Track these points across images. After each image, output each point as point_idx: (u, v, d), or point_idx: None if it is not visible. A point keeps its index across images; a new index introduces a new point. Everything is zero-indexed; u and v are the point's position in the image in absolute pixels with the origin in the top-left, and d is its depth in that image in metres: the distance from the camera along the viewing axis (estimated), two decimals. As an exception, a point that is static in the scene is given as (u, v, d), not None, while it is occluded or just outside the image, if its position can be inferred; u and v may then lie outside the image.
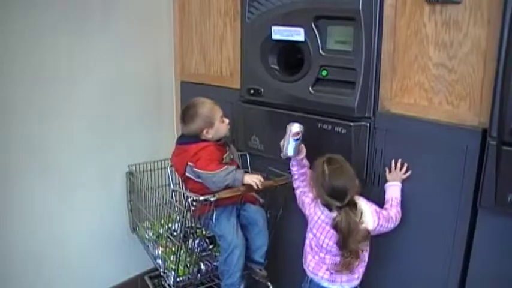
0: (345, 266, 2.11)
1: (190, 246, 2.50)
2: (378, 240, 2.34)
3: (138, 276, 3.13)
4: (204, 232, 2.66)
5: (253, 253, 2.55)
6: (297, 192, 2.34)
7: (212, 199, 2.24)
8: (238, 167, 2.52)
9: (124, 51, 2.83)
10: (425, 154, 2.16)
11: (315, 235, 2.19)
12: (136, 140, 2.99)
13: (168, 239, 2.62)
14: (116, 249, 3.01)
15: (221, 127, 2.43)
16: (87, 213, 2.82)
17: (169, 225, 2.67)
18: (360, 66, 2.22)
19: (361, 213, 2.08)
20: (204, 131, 2.39)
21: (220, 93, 2.78)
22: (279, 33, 2.45)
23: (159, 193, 2.66)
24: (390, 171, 2.25)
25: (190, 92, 2.89)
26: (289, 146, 2.25)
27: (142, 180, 2.82)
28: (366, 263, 2.22)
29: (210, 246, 2.66)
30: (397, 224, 2.19)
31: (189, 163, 2.38)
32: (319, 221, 2.16)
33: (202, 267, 2.60)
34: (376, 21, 2.18)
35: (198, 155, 2.36)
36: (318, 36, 2.34)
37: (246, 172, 2.47)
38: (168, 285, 2.59)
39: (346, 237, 2.05)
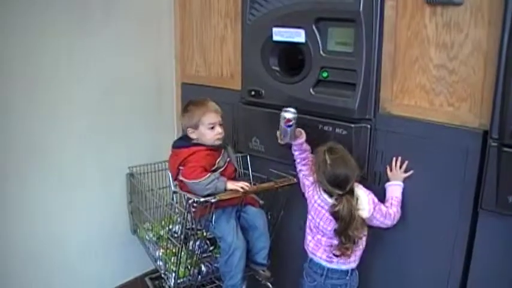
0: (342, 252, 2.16)
1: (190, 247, 2.49)
2: (379, 242, 2.34)
3: (138, 278, 3.13)
4: (204, 234, 2.65)
5: (255, 255, 2.54)
6: (300, 175, 2.40)
7: (213, 200, 2.24)
8: (235, 169, 2.53)
9: (125, 52, 2.83)
10: (426, 156, 2.15)
11: (312, 217, 2.25)
12: (136, 141, 2.99)
13: (169, 241, 2.62)
14: (116, 250, 3.01)
15: (207, 133, 2.41)
16: (87, 214, 2.81)
17: (170, 226, 2.66)
18: (360, 67, 2.22)
19: (357, 200, 2.12)
20: (189, 130, 2.41)
21: (221, 95, 2.78)
22: (280, 34, 2.45)
23: (159, 195, 2.66)
24: (391, 169, 2.25)
25: (191, 93, 2.89)
26: (284, 133, 2.32)
27: (143, 181, 2.81)
28: (363, 247, 2.26)
29: (211, 248, 2.65)
30: (394, 222, 2.19)
31: (180, 167, 2.39)
32: (316, 204, 2.21)
33: (203, 268, 2.60)
34: (377, 22, 2.18)
35: (187, 160, 2.37)
36: (318, 37, 2.34)
37: (233, 179, 2.46)
38: (169, 286, 2.59)
39: (346, 224, 2.09)
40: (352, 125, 2.30)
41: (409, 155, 2.20)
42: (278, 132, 2.35)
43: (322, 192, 2.17)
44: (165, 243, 2.66)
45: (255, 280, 2.61)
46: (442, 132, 2.09)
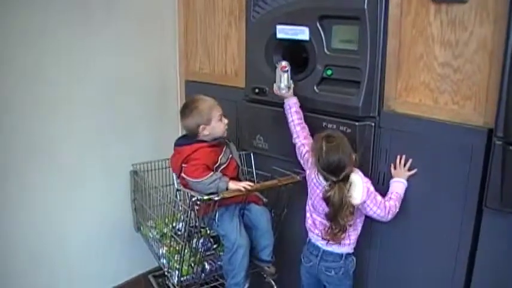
0: (331, 236, 2.19)
1: (194, 245, 2.49)
2: (383, 240, 2.34)
3: (142, 276, 3.13)
4: (208, 231, 2.65)
5: (259, 252, 2.55)
6: (302, 150, 2.37)
7: (216, 198, 2.24)
8: (237, 166, 2.53)
9: (128, 49, 2.83)
10: (430, 154, 2.15)
11: (310, 194, 2.30)
12: (140, 138, 2.99)
13: (172, 238, 2.62)
14: (119, 248, 3.01)
15: (218, 126, 2.43)
16: (91, 212, 2.82)
17: (174, 224, 2.66)
18: (365, 65, 2.22)
19: (350, 185, 2.13)
20: (201, 127, 2.39)
21: (225, 92, 2.78)
22: (284, 32, 2.45)
23: (163, 192, 2.65)
24: (395, 167, 2.25)
25: (195, 91, 2.88)
26: (281, 79, 2.37)
27: (147, 179, 2.81)
28: (358, 231, 2.29)
29: (214, 246, 2.66)
30: (388, 216, 2.19)
31: (183, 165, 2.39)
32: (312, 183, 2.26)
33: (206, 266, 2.60)
34: (381, 20, 2.17)
35: (190, 157, 2.37)
36: (322, 35, 2.34)
37: (235, 176, 2.47)
38: (172, 284, 2.59)
39: (336, 211, 2.12)
40: (357, 123, 2.30)
41: (413, 153, 2.20)
42: (275, 85, 2.41)
43: (318, 173, 2.19)
44: (168, 241, 2.66)
45: (258, 278, 2.61)
46: (446, 131, 2.08)
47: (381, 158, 2.30)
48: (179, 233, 2.61)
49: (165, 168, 2.86)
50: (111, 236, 2.96)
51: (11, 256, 2.53)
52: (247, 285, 2.49)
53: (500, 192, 1.92)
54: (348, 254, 2.29)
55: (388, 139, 2.27)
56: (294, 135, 2.40)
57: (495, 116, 1.89)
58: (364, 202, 2.16)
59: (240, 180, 2.42)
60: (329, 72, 2.35)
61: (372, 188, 2.19)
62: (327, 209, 2.16)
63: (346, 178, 2.12)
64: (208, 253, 2.63)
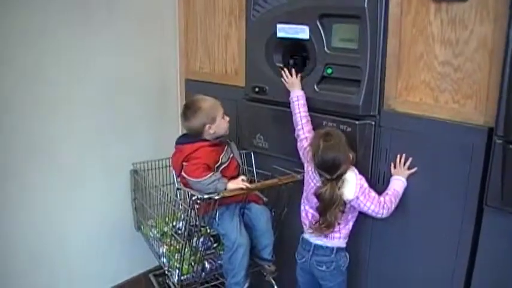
0: (316, 229, 2.24)
1: (194, 244, 2.49)
2: (383, 239, 2.34)
3: (142, 275, 3.13)
4: (208, 230, 2.66)
5: (260, 251, 2.56)
6: (304, 143, 2.38)
7: (216, 197, 2.24)
8: (238, 165, 2.53)
9: (128, 49, 2.83)
10: (431, 153, 2.15)
11: (305, 187, 2.34)
12: (140, 138, 2.99)
13: (173, 237, 2.62)
14: (120, 247, 3.01)
15: (222, 124, 2.43)
16: (91, 211, 2.82)
17: (174, 223, 2.66)
18: (365, 64, 2.22)
19: (343, 182, 2.16)
20: (207, 127, 2.39)
21: (225, 91, 2.78)
22: (284, 31, 2.45)
23: (163, 191, 2.65)
24: (395, 166, 2.25)
25: (195, 90, 2.89)
26: None
27: (147, 178, 2.81)
28: (350, 227, 2.31)
29: (215, 245, 2.66)
30: (383, 212, 2.19)
31: (184, 163, 2.39)
32: (307, 176, 2.31)
33: (207, 265, 2.60)
34: (382, 19, 2.17)
35: (190, 156, 2.37)
36: (323, 34, 2.33)
37: (236, 175, 2.46)
38: (173, 283, 2.59)
39: (326, 207, 2.16)
40: (357, 122, 2.30)
41: (414, 152, 2.20)
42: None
43: (314, 168, 2.22)
44: (168, 240, 2.67)
45: (259, 277, 2.61)
46: (447, 129, 2.08)
47: (381, 157, 2.30)
48: (179, 232, 2.61)
49: (165, 167, 2.87)
50: (111, 235, 2.95)
51: (11, 256, 2.52)
52: (247, 284, 2.49)
53: (500, 191, 1.92)
54: (340, 249, 2.29)
55: (388, 138, 2.26)
56: (299, 127, 2.40)
57: (495, 115, 1.89)
58: (357, 198, 2.17)
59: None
60: (329, 71, 2.35)
61: (365, 185, 2.20)
62: (318, 203, 2.19)
63: (340, 176, 2.15)
64: (208, 252, 2.63)
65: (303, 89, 2.41)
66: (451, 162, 2.09)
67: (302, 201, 2.37)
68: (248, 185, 2.37)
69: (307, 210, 2.33)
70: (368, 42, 2.19)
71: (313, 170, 2.23)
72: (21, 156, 2.47)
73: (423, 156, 2.17)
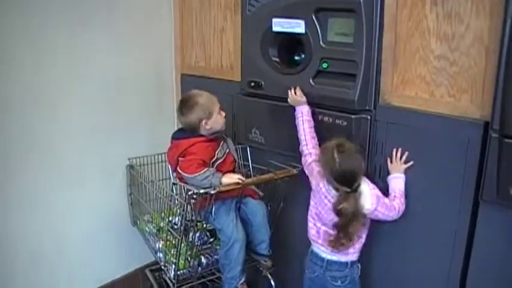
0: (337, 246, 2.16)
1: (190, 239, 2.49)
2: (379, 234, 2.34)
3: (139, 270, 3.13)
4: (204, 225, 2.65)
5: (256, 246, 2.56)
6: (308, 158, 2.33)
7: (212, 192, 2.24)
8: (234, 160, 2.53)
9: (124, 44, 2.82)
10: (426, 147, 2.15)
11: (315, 204, 2.24)
12: (136, 133, 2.98)
13: (169, 233, 2.62)
14: (116, 242, 3.01)
15: (218, 119, 2.42)
16: (87, 207, 2.81)
17: (170, 218, 2.66)
18: (360, 58, 2.21)
19: (359, 194, 2.11)
20: (203, 122, 2.38)
21: (221, 86, 2.78)
22: (280, 25, 2.44)
23: (159, 186, 2.65)
24: (391, 161, 2.25)
25: (191, 84, 2.88)
26: None
27: (143, 173, 2.81)
28: (363, 240, 2.26)
29: (211, 240, 2.66)
30: (399, 214, 2.19)
31: (180, 158, 2.38)
32: (320, 193, 2.20)
33: (203, 260, 2.60)
34: (377, 13, 2.17)
35: (186, 151, 2.37)
36: (318, 28, 2.33)
37: (232, 170, 2.47)
38: (169, 278, 2.59)
39: (348, 222, 2.09)
40: (353, 116, 2.29)
41: (410, 146, 2.20)
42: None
43: (327, 183, 2.16)
44: (165, 235, 2.66)
45: (255, 272, 2.61)
46: (442, 124, 2.08)
47: (377, 151, 2.30)
48: (176, 227, 2.61)
49: (161, 162, 2.87)
50: (107, 230, 2.95)
51: (10, 255, 2.53)
52: (243, 279, 2.49)
53: (496, 185, 1.92)
54: (353, 262, 2.26)
55: (384, 132, 2.26)
56: (303, 143, 2.36)
57: (491, 109, 1.89)
58: (376, 209, 2.14)
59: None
60: (325, 65, 2.34)
61: (379, 194, 2.17)
62: (335, 219, 2.13)
63: (358, 188, 2.10)
64: (204, 247, 2.63)
65: (308, 104, 2.39)
66: (447, 157, 2.09)
67: (310, 218, 2.30)
68: (244, 179, 2.36)
69: (319, 228, 2.26)
70: (364, 36, 2.19)
71: (326, 185, 2.17)
72: (18, 154, 2.46)
73: (419, 150, 2.17)
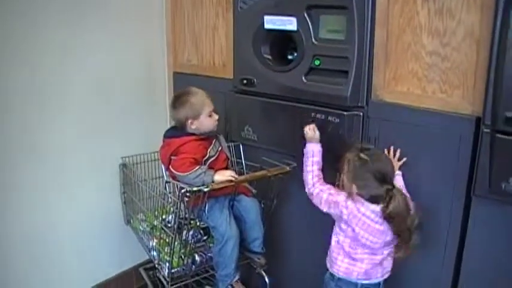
0: (402, 251, 2.03)
1: (184, 237, 2.49)
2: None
3: (133, 269, 3.13)
4: (198, 223, 2.65)
5: (250, 244, 2.55)
6: (323, 195, 2.15)
7: (205, 190, 2.24)
8: (227, 158, 2.53)
9: (115, 42, 2.81)
10: (419, 143, 2.15)
11: (354, 233, 2.04)
12: (129, 131, 2.97)
13: (162, 231, 2.61)
14: (110, 241, 3.01)
15: (206, 122, 2.41)
16: (80, 206, 2.81)
17: (163, 216, 2.66)
18: (352, 55, 2.21)
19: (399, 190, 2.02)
20: (189, 121, 2.39)
21: (213, 84, 2.77)
22: (271, 22, 2.44)
23: (152, 185, 2.65)
24: None
25: (183, 82, 2.88)
26: None
27: (136, 172, 2.80)
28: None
29: (204, 238, 2.65)
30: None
31: (172, 157, 2.38)
32: (364, 217, 2.01)
33: (197, 258, 2.60)
34: (369, 9, 2.17)
35: (178, 150, 2.37)
36: (310, 25, 2.33)
37: (225, 168, 2.47)
38: (163, 276, 2.59)
39: (404, 219, 1.97)
40: (345, 113, 2.29)
41: (402, 142, 2.20)
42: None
43: (366, 202, 2.02)
44: (158, 234, 2.66)
45: (249, 269, 2.61)
46: (434, 119, 2.08)
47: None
48: (169, 225, 2.61)
49: (154, 160, 2.86)
50: (101, 229, 2.95)
51: (4, 256, 2.52)
52: (237, 277, 2.49)
53: (488, 180, 1.93)
54: (384, 280, 2.16)
55: (376, 128, 2.26)
56: (309, 185, 2.22)
57: (483, 104, 1.89)
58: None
59: (229, 172, 2.42)
60: (317, 62, 2.34)
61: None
62: (388, 237, 2.02)
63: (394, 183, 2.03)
64: (198, 245, 2.63)
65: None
66: (439, 152, 2.09)
67: (341, 250, 2.12)
68: (237, 176, 2.36)
69: (362, 259, 2.08)
70: (355, 32, 2.19)
71: (366, 204, 2.01)
72: (7, 153, 2.45)
73: (411, 146, 2.17)
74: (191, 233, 2.54)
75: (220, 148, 2.49)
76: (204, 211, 2.39)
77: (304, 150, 2.28)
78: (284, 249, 2.63)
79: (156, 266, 2.65)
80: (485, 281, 2.07)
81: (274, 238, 2.67)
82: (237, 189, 2.45)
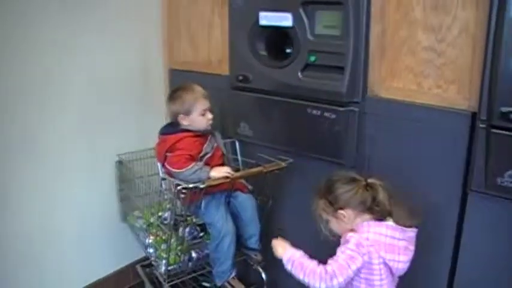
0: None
1: (180, 234, 2.49)
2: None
3: (129, 266, 3.13)
4: (194, 220, 2.65)
5: (247, 240, 2.56)
6: (337, 263, 1.84)
7: (201, 186, 2.23)
8: (222, 154, 2.53)
9: (111, 39, 2.80)
10: (414, 138, 2.15)
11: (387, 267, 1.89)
12: (125, 128, 2.97)
13: (159, 228, 2.61)
14: (106, 239, 3.00)
15: (199, 120, 2.42)
16: (76, 203, 2.80)
17: (160, 213, 2.66)
18: (348, 50, 2.21)
19: None
20: (180, 117, 2.40)
21: (209, 80, 2.76)
22: (267, 19, 2.43)
23: (149, 182, 2.65)
24: None
25: (179, 79, 2.87)
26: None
27: (132, 169, 2.81)
28: None
29: (201, 234, 2.65)
30: None
31: (167, 154, 2.39)
32: (388, 238, 1.86)
33: (193, 255, 2.60)
34: (365, 5, 2.16)
35: (174, 147, 2.37)
36: (306, 21, 2.32)
37: (221, 164, 2.46)
38: (160, 273, 2.59)
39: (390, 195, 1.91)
40: (341, 109, 2.29)
41: (398, 138, 2.20)
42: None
43: (372, 221, 1.88)
44: (155, 231, 2.66)
45: (246, 266, 2.61)
46: (430, 115, 2.08)
47: (365, 144, 2.30)
48: (165, 222, 2.61)
49: (151, 157, 2.85)
50: (97, 227, 2.94)
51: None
52: (234, 273, 2.49)
53: (484, 176, 1.93)
54: None
55: (372, 124, 2.26)
56: (322, 274, 1.82)
57: (478, 100, 1.90)
58: None
59: (225, 168, 2.42)
60: (313, 58, 2.34)
61: None
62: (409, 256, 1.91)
63: None
64: (195, 241, 2.63)
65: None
66: (435, 148, 2.09)
67: None
68: (233, 172, 2.36)
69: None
70: (351, 28, 2.18)
71: (371, 221, 1.87)
72: (8, 149, 2.45)
73: (407, 141, 2.17)
74: (187, 229, 2.54)
75: (216, 145, 2.49)
76: (201, 208, 2.39)
77: (286, 264, 1.95)
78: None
79: (153, 263, 2.66)
80: (482, 276, 2.07)
81: (270, 235, 2.66)
82: (233, 186, 2.45)
